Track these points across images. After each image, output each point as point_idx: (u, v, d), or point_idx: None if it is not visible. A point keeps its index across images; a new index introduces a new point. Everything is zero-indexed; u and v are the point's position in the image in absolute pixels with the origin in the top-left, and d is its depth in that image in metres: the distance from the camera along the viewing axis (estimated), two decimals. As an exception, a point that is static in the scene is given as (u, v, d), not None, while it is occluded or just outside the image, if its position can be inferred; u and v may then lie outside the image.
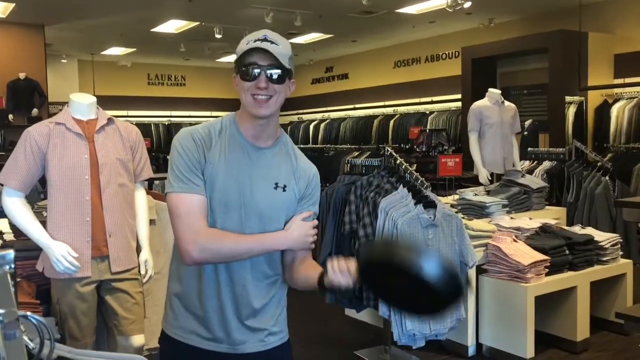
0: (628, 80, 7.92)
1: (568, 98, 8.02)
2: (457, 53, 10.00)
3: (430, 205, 3.13)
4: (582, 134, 7.97)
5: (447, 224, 3.13)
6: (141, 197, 2.53)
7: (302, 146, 12.18)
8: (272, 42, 1.51)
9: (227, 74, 14.32)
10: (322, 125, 12.89)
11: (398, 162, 3.31)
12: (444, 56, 10.81)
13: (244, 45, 1.53)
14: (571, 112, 8.13)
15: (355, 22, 9.31)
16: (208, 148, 1.55)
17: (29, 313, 0.98)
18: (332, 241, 3.34)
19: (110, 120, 2.42)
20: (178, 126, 13.40)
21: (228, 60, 13.32)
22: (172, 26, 9.48)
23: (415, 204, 3.08)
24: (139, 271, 2.49)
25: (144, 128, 12.25)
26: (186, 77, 14.36)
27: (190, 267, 1.54)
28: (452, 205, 3.94)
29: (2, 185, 2.28)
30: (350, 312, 4.03)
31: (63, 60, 12.08)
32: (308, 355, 3.50)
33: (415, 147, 8.00)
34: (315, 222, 1.64)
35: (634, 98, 7.73)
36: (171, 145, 1.57)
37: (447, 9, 7.97)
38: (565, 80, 7.82)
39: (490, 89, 5.39)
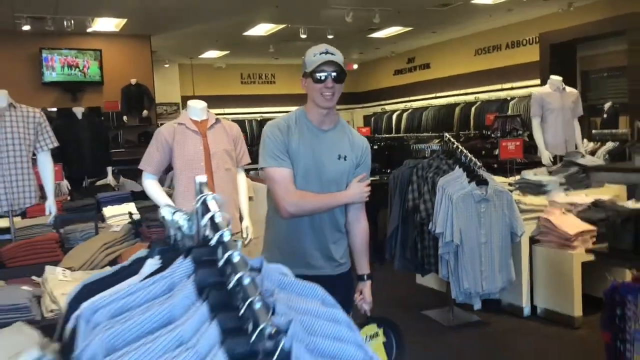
0: None
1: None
2: (536, 39, 10.11)
3: (483, 182, 3.63)
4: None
5: (498, 198, 3.62)
6: (242, 178, 3.25)
7: (385, 136, 12.70)
8: (332, 54, 2.14)
9: (313, 69, 15.08)
10: (405, 115, 13.31)
11: (455, 146, 3.83)
12: (524, 42, 10.91)
13: (311, 57, 2.17)
14: (653, 94, 8.11)
15: (433, 14, 9.68)
16: (288, 134, 2.20)
17: None
18: (398, 215, 3.92)
19: (217, 120, 3.15)
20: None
21: (314, 57, 14.05)
22: (262, 29, 10.31)
23: (469, 182, 3.59)
24: (242, 235, 3.20)
25: (239, 124, 13.20)
26: (276, 75, 15.25)
27: (285, 219, 2.19)
28: (510, 184, 4.38)
29: (142, 170, 3.07)
30: (419, 279, 4.59)
31: (166, 65, 13.31)
32: (380, 314, 4.09)
33: (490, 132, 8.32)
34: (368, 181, 2.26)
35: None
36: (262, 134, 2.24)
37: (522, -2, 8.21)
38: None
39: (552, 76, 5.69)
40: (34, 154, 3.56)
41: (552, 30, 9.18)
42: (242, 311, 0.82)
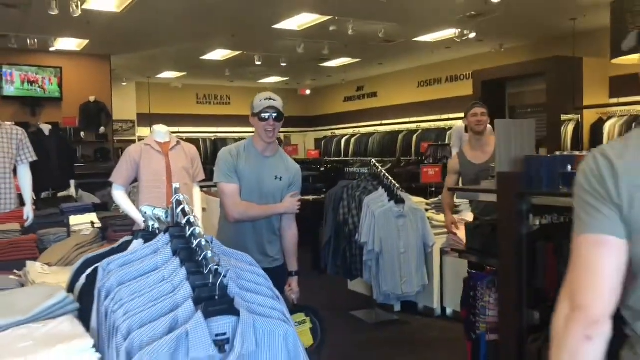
0: (622, 100, 8.87)
1: (565, 116, 9.01)
2: (470, 75, 11.09)
3: (401, 201, 4.33)
4: (579, 148, 8.94)
5: (414, 215, 4.32)
6: (197, 192, 3.84)
7: (332, 159, 13.44)
8: (274, 100, 2.79)
9: (267, 93, 15.73)
10: (353, 139, 14.10)
11: (379, 170, 4.52)
12: (461, 77, 11.90)
13: (258, 102, 2.82)
14: (570, 128, 9.12)
15: (378, 49, 10.52)
16: (238, 158, 2.83)
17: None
18: (332, 227, 4.58)
19: (178, 142, 3.74)
20: (223, 141, 14.82)
21: (268, 81, 14.72)
22: (219, 55, 10.92)
23: (389, 200, 4.28)
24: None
25: (193, 143, 13.67)
26: (231, 96, 15.84)
27: (232, 223, 2.79)
28: (427, 204, 5.11)
29: (112, 183, 3.63)
30: (350, 285, 5.24)
31: (123, 84, 13.70)
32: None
33: (424, 159, 9.15)
34: (299, 196, 2.90)
35: (624, 116, 8.67)
36: (217, 156, 2.86)
37: (455, 39, 9.13)
38: (562, 100, 8.84)
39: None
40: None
41: (484, 68, 10.15)
42: (200, 258, 1.44)
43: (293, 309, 2.88)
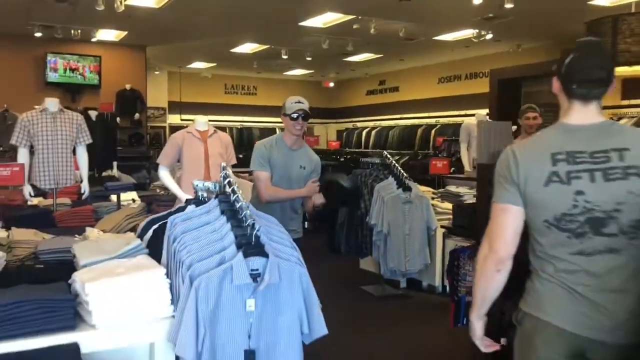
0: (633, 102, 9.22)
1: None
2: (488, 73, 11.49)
3: (408, 189, 4.86)
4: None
5: (419, 201, 4.86)
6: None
7: (353, 150, 13.97)
8: (302, 103, 3.37)
9: (292, 85, 16.28)
10: (373, 132, 14.59)
11: (390, 161, 5.05)
12: (480, 75, 12.30)
13: (290, 104, 3.41)
14: (581, 127, 9.50)
15: (400, 46, 10.98)
16: (270, 151, 3.41)
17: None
18: (346, 210, 5.13)
19: (215, 131, 4.32)
20: (249, 130, 15.44)
21: (293, 74, 15.28)
22: (248, 48, 11.49)
23: (398, 188, 4.82)
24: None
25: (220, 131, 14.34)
26: (257, 87, 16.43)
27: (264, 204, 3.38)
28: (434, 193, 5.63)
29: (158, 163, 4.24)
30: (362, 264, 5.79)
31: (156, 72, 14.36)
32: (331, 291, 5.30)
33: (438, 152, 9.64)
34: (318, 182, 3.46)
35: (634, 117, 9.03)
36: (253, 149, 3.47)
37: (473, 39, 9.57)
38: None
39: (478, 112, 7.00)
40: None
41: (502, 67, 10.54)
42: (240, 216, 2.01)
43: None
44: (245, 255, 1.93)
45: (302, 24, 9.08)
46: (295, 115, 3.41)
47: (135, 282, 1.88)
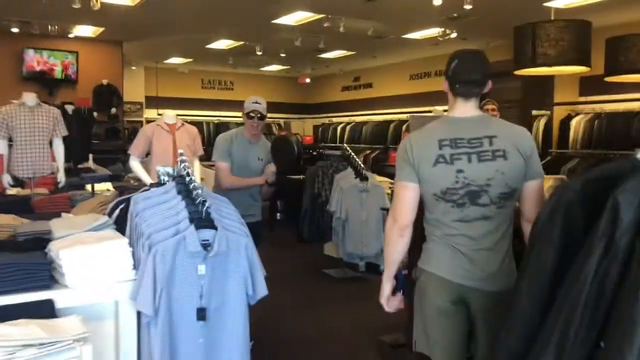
0: (589, 98, 9.71)
1: (538, 112, 9.87)
2: (457, 70, 11.91)
3: (365, 179, 5.24)
4: (549, 142, 9.82)
5: (375, 190, 5.24)
6: (197, 164, 4.75)
7: (328, 144, 14.33)
8: (259, 103, 3.71)
9: (269, 80, 16.58)
10: (348, 127, 14.97)
11: (348, 153, 5.43)
12: (449, 72, 12.73)
13: (248, 104, 3.75)
14: (541, 123, 9.99)
15: (371, 43, 11.34)
16: (231, 144, 3.74)
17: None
18: (309, 199, 5.49)
19: (182, 124, 4.64)
20: (225, 125, 15.69)
21: (270, 69, 15.58)
22: (223, 44, 11.76)
23: (355, 177, 5.19)
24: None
25: (197, 126, 14.51)
26: (234, 82, 16.68)
27: (223, 191, 3.71)
28: (391, 183, 6.02)
29: (129, 154, 4.55)
30: (326, 250, 6.16)
31: (133, 68, 14.55)
32: (294, 273, 5.66)
33: (405, 147, 10.04)
34: (273, 169, 3.81)
35: (589, 113, 9.53)
36: (215, 141, 3.78)
37: (439, 38, 9.98)
38: (534, 97, 9.70)
39: (435, 108, 7.40)
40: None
41: (467, 65, 10.97)
42: (194, 194, 2.35)
43: None
44: (197, 228, 2.27)
45: (275, 21, 9.39)
46: (252, 115, 3.75)
47: (102, 249, 2.22)
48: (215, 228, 2.30)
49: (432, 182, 2.02)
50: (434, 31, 10.08)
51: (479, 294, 1.97)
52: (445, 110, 7.28)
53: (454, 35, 9.66)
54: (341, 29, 9.17)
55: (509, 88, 11.04)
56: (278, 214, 8.73)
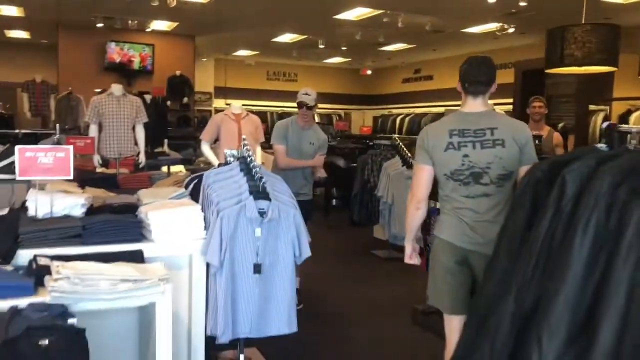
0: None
1: (595, 107, 9.89)
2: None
3: (411, 166, 5.64)
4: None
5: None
6: (258, 150, 5.32)
7: (385, 135, 14.69)
8: (309, 95, 4.21)
9: (331, 72, 17.08)
10: (407, 119, 15.27)
11: (397, 142, 5.85)
12: (509, 65, 12.80)
13: (299, 95, 4.28)
14: (599, 117, 10.00)
15: (430, 37, 11.62)
16: (286, 129, 4.27)
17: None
18: (360, 185, 5.96)
19: (247, 114, 5.21)
20: (288, 115, 16.21)
21: (332, 61, 16.06)
22: (287, 37, 12.34)
23: (402, 165, 5.62)
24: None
25: (262, 115, 15.23)
26: (298, 74, 17.28)
27: (279, 171, 4.24)
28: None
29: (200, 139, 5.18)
30: (375, 233, 6.62)
31: (203, 59, 15.39)
32: (345, 253, 6.17)
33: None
34: (324, 156, 4.32)
35: (650, 108, 9.48)
36: (274, 128, 4.34)
37: (497, 32, 10.15)
38: (592, 92, 9.72)
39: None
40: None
41: (526, 59, 11.08)
42: (253, 172, 2.89)
43: None
44: (255, 198, 2.81)
45: (336, 17, 9.86)
46: (301, 105, 4.28)
47: (180, 213, 2.79)
48: (269, 199, 2.83)
49: (443, 165, 2.46)
50: (491, 26, 10.26)
51: (479, 256, 2.39)
52: (495, 105, 7.56)
53: (511, 30, 9.81)
54: (399, 24, 9.52)
55: (565, 83, 11.06)
56: (334, 200, 9.25)
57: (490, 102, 8.43)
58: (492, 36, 11.31)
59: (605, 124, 1.97)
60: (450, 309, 2.51)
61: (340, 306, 4.64)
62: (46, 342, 1.94)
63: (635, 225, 1.53)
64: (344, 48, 12.39)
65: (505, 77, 12.27)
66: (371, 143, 11.77)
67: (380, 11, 9.26)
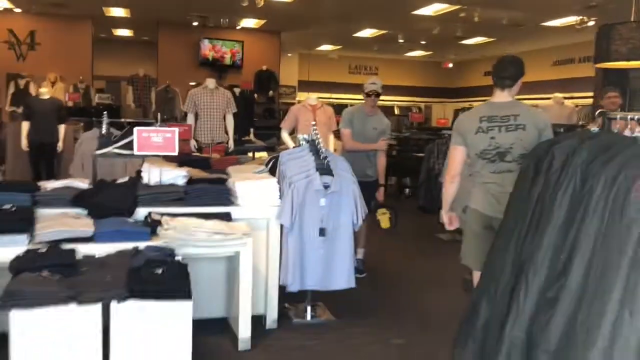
0: None
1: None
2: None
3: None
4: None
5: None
6: (331, 138, 5.90)
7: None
8: (376, 84, 4.75)
9: (412, 65, 17.38)
10: (486, 112, 15.31)
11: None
12: (590, 58, 12.63)
13: (367, 84, 4.81)
14: (684, 111, 9.80)
15: (508, 30, 11.72)
16: (352, 115, 4.85)
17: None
18: (425, 172, 6.43)
19: (322, 105, 5.82)
20: (368, 107, 16.77)
21: (413, 55, 16.38)
22: (367, 32, 12.84)
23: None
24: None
25: (344, 108, 15.84)
26: (379, 67, 17.70)
27: (346, 153, 4.82)
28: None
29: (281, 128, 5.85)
30: (440, 218, 7.04)
31: (289, 54, 16.18)
32: (412, 236, 6.67)
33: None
34: (388, 140, 4.85)
35: None
36: (342, 114, 4.90)
37: (576, 26, 10.16)
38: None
39: (556, 94, 7.82)
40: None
41: (608, 51, 10.95)
42: (319, 153, 3.49)
43: (380, 205, 4.87)
44: (321, 174, 3.40)
45: (414, 12, 10.26)
46: (370, 93, 4.81)
47: (261, 184, 3.44)
48: (332, 175, 3.41)
49: (473, 146, 2.94)
50: (571, 19, 10.27)
51: (500, 221, 2.85)
52: (565, 98, 7.73)
53: (591, 23, 9.80)
54: (476, 19, 9.78)
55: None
56: (407, 190, 9.72)
57: (571, 94, 8.54)
58: (573, 29, 11.25)
59: (598, 112, 2.38)
60: (477, 265, 2.98)
61: (399, 277, 5.16)
62: (160, 270, 2.63)
63: (601, 188, 1.97)
64: (423, 42, 12.71)
65: (586, 70, 12.16)
66: (445, 134, 12.12)
67: (457, 7, 9.56)
